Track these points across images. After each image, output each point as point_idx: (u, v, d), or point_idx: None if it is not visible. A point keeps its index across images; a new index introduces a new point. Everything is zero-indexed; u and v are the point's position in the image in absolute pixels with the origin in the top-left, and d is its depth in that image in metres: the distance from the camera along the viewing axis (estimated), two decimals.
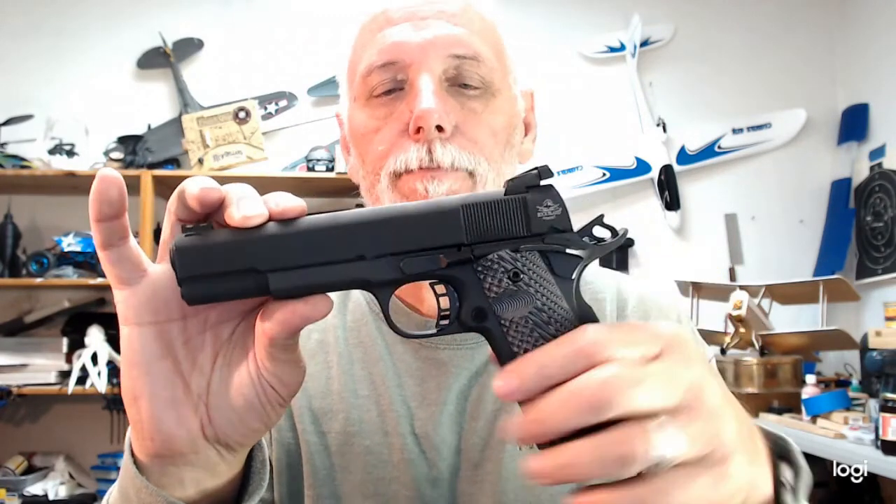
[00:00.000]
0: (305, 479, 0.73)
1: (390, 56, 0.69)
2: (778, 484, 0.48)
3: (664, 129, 3.31)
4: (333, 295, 0.44)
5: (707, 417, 0.38)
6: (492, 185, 0.70)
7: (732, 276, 3.29)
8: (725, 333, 2.79)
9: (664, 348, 0.39)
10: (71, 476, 2.91)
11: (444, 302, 0.45)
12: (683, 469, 0.38)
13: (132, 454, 0.49)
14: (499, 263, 0.42)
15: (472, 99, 0.70)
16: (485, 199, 0.43)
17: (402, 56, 0.69)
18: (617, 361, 0.37)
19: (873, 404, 2.29)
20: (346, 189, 3.07)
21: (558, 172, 3.26)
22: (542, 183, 0.43)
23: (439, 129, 0.67)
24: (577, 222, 0.43)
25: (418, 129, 0.66)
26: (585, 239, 0.43)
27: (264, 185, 3.05)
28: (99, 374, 2.75)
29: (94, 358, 2.77)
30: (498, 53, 0.73)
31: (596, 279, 0.80)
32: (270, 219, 0.43)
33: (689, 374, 0.39)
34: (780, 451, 0.51)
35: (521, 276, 0.42)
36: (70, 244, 2.88)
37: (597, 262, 0.65)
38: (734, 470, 0.40)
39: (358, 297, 0.81)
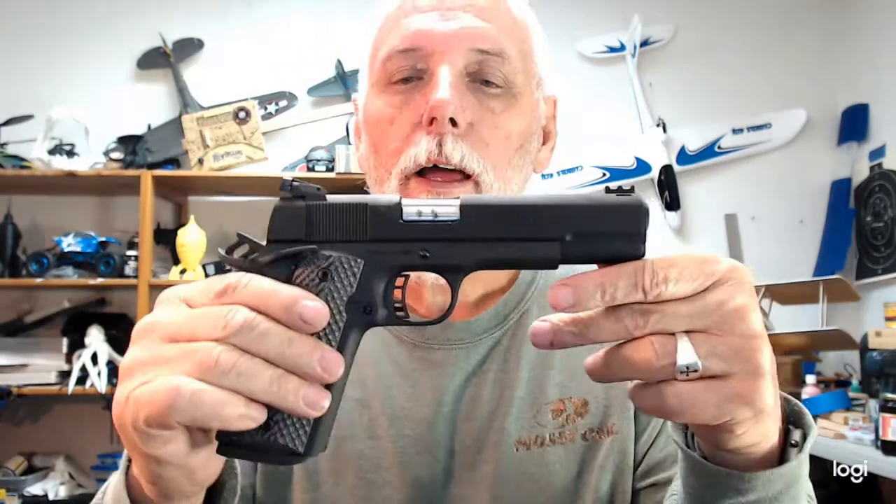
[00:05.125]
0: (296, 484, 0.72)
1: (413, 42, 0.68)
2: (786, 442, 0.50)
3: (664, 129, 3.31)
4: None
5: (739, 338, 0.42)
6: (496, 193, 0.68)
7: None
8: None
9: (718, 281, 0.43)
10: (71, 476, 2.91)
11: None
12: (704, 382, 0.42)
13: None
14: None
15: (491, 98, 0.69)
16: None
17: (425, 44, 0.68)
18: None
19: (873, 404, 2.29)
20: (346, 189, 3.07)
21: (558, 172, 3.26)
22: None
23: (453, 123, 0.65)
24: None
25: (431, 121, 0.65)
26: None
27: (264, 185, 3.06)
28: (99, 374, 2.75)
29: (94, 358, 2.77)
30: (524, 54, 0.72)
31: None
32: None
33: (733, 301, 0.42)
34: (791, 412, 0.53)
35: None
36: (70, 244, 2.88)
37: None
38: (757, 396, 0.42)
39: None
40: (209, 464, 0.46)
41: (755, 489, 0.48)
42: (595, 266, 0.45)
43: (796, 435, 0.50)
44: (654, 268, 0.43)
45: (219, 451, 0.45)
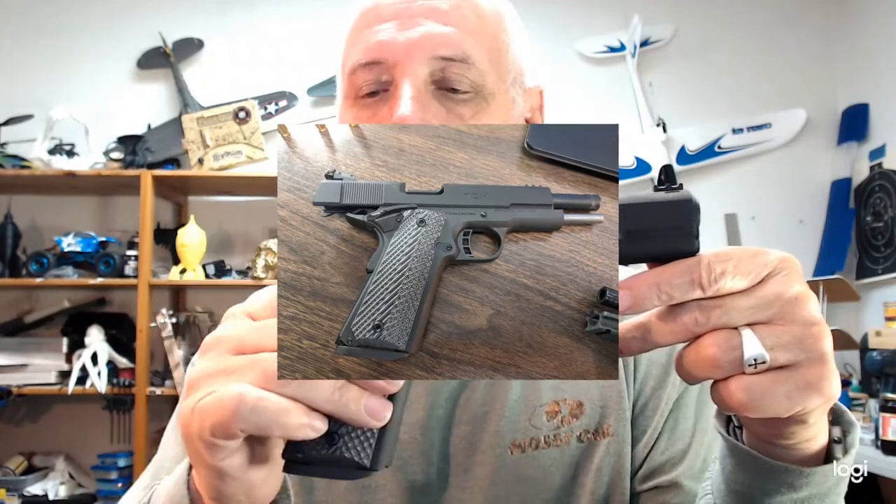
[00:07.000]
0: (289, 489, 0.72)
1: (373, 55, 0.68)
2: (830, 440, 0.50)
3: (664, 129, 3.31)
4: None
5: (802, 326, 0.42)
6: None
7: None
8: None
9: (771, 272, 0.43)
10: (71, 476, 2.91)
11: None
12: (773, 373, 0.42)
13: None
14: None
15: (459, 104, 0.67)
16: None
17: (387, 56, 0.67)
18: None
19: (873, 404, 2.29)
20: None
21: None
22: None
23: None
24: None
25: None
26: None
27: (264, 185, 3.06)
28: (99, 374, 2.76)
29: (94, 358, 2.77)
30: (495, 52, 0.70)
31: None
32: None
33: (790, 291, 0.43)
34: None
35: None
36: (70, 244, 2.88)
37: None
38: (825, 383, 0.42)
39: None
40: (268, 481, 0.47)
41: (810, 484, 0.48)
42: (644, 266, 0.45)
43: (836, 431, 0.50)
44: (710, 263, 0.42)
45: (285, 469, 0.45)
